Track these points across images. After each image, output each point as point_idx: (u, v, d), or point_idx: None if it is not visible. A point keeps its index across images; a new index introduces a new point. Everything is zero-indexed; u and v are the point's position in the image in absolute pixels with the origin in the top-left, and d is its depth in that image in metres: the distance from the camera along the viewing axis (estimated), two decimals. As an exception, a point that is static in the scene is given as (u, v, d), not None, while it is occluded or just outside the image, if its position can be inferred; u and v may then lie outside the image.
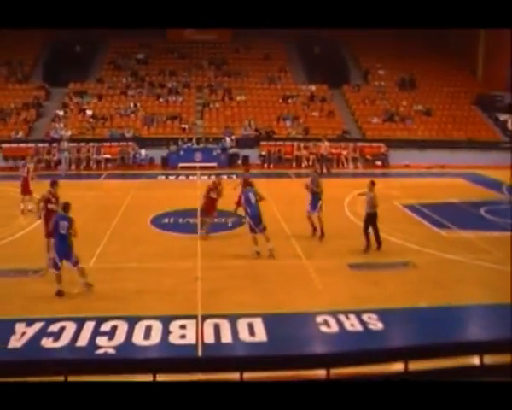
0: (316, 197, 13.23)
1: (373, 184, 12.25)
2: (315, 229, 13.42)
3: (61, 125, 26.96)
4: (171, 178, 22.86)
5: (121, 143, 26.18)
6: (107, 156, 25.72)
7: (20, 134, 26.72)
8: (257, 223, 11.89)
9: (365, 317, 9.21)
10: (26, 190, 15.63)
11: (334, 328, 8.91)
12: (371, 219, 12.03)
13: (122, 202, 16.80)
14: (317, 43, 33.69)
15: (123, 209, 16.02)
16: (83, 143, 25.71)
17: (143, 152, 26.08)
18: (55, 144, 25.61)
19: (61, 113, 28.18)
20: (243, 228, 13.79)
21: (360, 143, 27.01)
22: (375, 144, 26.93)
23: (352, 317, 9.18)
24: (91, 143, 25.64)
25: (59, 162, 24.89)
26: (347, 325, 9.00)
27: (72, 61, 31.68)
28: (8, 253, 12.31)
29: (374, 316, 9.21)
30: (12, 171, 22.11)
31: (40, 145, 25.62)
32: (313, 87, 31.27)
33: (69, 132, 26.56)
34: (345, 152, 26.35)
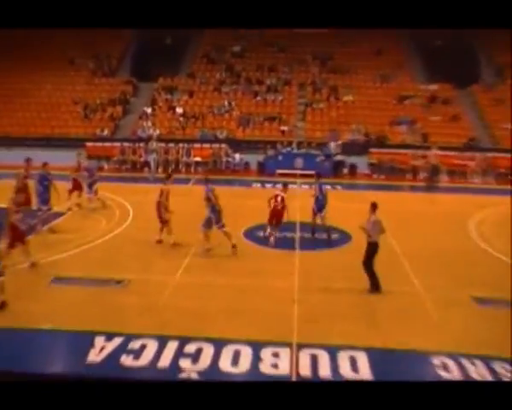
0: None
1: (374, 207, 11.43)
2: None
3: (149, 123, 28.11)
4: (267, 186, 22.69)
5: (213, 146, 26.86)
6: (198, 159, 26.50)
7: (106, 132, 28.10)
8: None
9: (497, 366, 8.74)
10: (76, 187, 16.90)
11: (456, 374, 8.52)
12: (371, 251, 11.26)
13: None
14: (438, 34, 31.98)
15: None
16: (172, 144, 26.57)
17: (238, 156, 26.58)
18: (141, 144, 26.58)
19: (148, 110, 29.29)
20: (351, 245, 13.87)
21: (492, 154, 26.12)
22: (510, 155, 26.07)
23: (479, 363, 8.76)
24: (181, 144, 26.59)
25: (145, 164, 25.85)
26: (472, 373, 8.59)
27: (161, 54, 32.59)
28: (91, 259, 12.58)
29: (508, 367, 8.74)
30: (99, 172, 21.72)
31: (126, 145, 26.70)
32: (434, 86, 30.79)
33: (157, 132, 27.58)
34: (472, 163, 25.44)
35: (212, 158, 26.40)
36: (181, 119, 28.91)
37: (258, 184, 23.28)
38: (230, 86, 30.97)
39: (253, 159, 26.42)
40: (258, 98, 30.31)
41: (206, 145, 26.89)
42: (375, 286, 11.24)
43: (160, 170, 24.93)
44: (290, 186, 19.75)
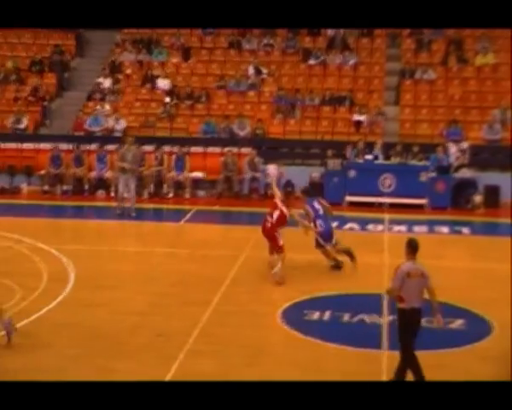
0: None
1: (412, 247, 11.80)
2: None
3: (107, 106, 28.08)
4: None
5: (227, 150, 26.58)
6: (198, 175, 26.51)
7: (24, 123, 28.04)
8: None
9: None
10: None
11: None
12: (408, 322, 11.78)
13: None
14: None
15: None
16: (149, 147, 26.73)
17: (272, 169, 25.94)
18: (93, 146, 26.63)
19: (106, 82, 29.33)
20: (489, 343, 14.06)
21: None
22: None
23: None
24: (167, 147, 26.74)
25: (101, 183, 25.96)
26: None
27: None
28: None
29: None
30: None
31: (62, 147, 26.60)
32: None
33: (122, 123, 27.64)
34: None
35: (223, 173, 25.91)
36: (167, 99, 28.88)
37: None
38: (260, 39, 30.97)
39: (302, 175, 25.59)
40: (312, 62, 30.21)
41: (214, 149, 26.85)
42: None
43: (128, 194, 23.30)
44: (371, 227, 21.97)
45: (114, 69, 29.60)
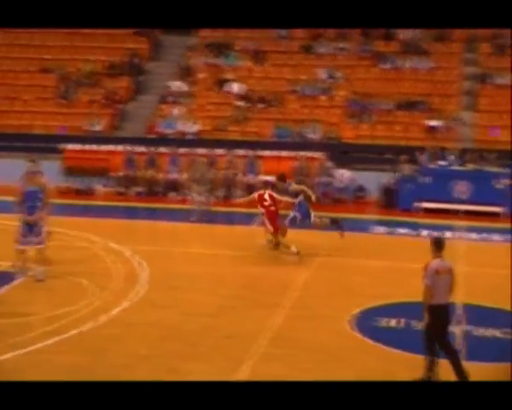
0: None
1: (439, 244, 12.00)
2: None
3: (178, 110, 28.23)
4: (400, 231, 22.84)
5: (299, 155, 26.67)
6: (271, 179, 26.37)
7: (99, 126, 28.71)
8: None
9: None
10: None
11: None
12: (436, 318, 11.93)
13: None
14: None
15: None
16: (221, 150, 26.84)
17: (345, 174, 26.40)
18: (166, 149, 27.04)
19: (178, 86, 29.25)
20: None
21: None
22: None
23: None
24: (240, 151, 26.91)
25: (174, 186, 26.39)
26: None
27: None
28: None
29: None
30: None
31: (136, 150, 27.26)
32: None
33: (196, 126, 27.85)
34: None
35: (296, 177, 25.92)
36: (239, 103, 29.07)
37: (382, 228, 23.46)
38: (332, 44, 30.86)
39: (374, 181, 26.16)
40: (385, 66, 30.26)
41: (286, 153, 27.02)
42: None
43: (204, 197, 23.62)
44: (445, 234, 20.62)
45: (187, 73, 29.78)
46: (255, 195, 19.08)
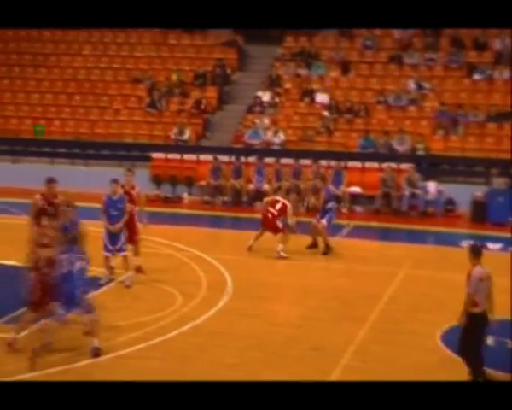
0: None
1: (477, 251, 12.05)
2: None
3: (266, 120, 28.51)
4: (492, 247, 21.99)
5: (385, 166, 26.48)
6: (357, 190, 26.70)
7: (187, 135, 28.91)
8: None
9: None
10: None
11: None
12: (482, 326, 12.11)
13: None
14: None
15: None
16: (306, 160, 26.77)
17: (433, 187, 26.04)
18: (252, 158, 27.25)
19: (265, 96, 29.73)
20: None
21: None
22: None
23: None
24: (325, 162, 26.79)
25: (259, 195, 26.23)
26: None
27: None
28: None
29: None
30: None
31: (223, 159, 27.45)
32: None
33: (281, 136, 28.11)
34: None
35: (382, 189, 26.01)
36: (325, 113, 28.94)
37: (472, 243, 21.81)
38: (421, 54, 30.80)
39: (463, 194, 25.78)
40: (477, 77, 29.86)
41: (373, 165, 26.94)
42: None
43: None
44: None
45: (274, 83, 29.87)
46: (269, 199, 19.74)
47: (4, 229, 20.31)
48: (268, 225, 19.17)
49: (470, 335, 11.86)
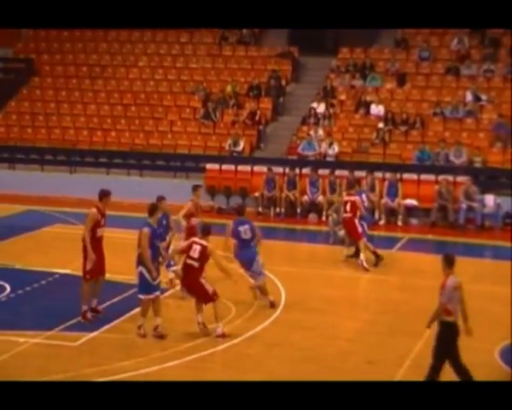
0: None
1: (449, 260, 12.23)
2: None
3: (321, 132, 28.56)
4: None
5: (441, 178, 26.40)
6: (413, 202, 26.48)
7: (241, 146, 28.97)
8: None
9: None
10: None
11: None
12: (456, 334, 12.15)
13: None
14: None
15: None
16: (360, 172, 26.60)
17: (490, 200, 25.82)
18: (306, 170, 27.14)
19: (320, 108, 29.82)
20: None
21: None
22: None
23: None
24: (378, 174, 26.69)
25: (313, 207, 26.38)
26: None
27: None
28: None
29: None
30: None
31: (276, 171, 27.47)
32: None
33: (335, 148, 27.96)
34: None
35: (438, 202, 25.74)
36: (380, 125, 28.82)
37: None
38: (479, 65, 30.45)
39: None
40: None
41: (429, 177, 26.76)
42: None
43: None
44: None
45: (328, 94, 29.78)
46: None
47: (61, 238, 20.56)
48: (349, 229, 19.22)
49: (445, 343, 11.94)
